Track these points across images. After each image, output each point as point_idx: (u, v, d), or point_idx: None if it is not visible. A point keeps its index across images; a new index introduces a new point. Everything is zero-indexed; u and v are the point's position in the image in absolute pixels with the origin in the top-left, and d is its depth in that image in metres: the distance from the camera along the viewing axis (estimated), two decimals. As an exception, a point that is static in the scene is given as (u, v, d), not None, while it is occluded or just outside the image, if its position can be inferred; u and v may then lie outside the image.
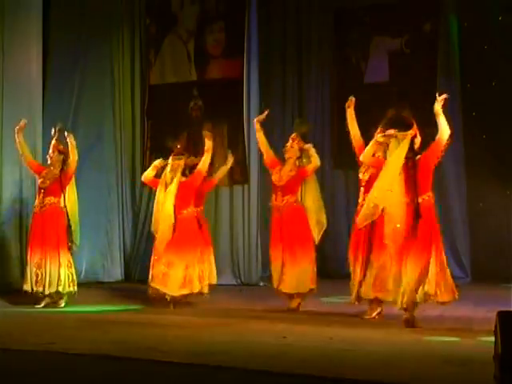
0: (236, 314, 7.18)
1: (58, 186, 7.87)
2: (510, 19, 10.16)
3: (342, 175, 10.99)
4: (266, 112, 7.94)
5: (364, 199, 6.78)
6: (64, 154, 7.97)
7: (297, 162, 7.67)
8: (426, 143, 10.71)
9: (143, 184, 9.09)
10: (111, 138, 11.36)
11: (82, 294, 9.11)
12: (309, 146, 7.69)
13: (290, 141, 7.69)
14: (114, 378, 4.47)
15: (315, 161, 7.64)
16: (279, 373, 4.39)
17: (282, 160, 7.71)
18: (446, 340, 5.63)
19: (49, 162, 8.02)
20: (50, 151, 8.03)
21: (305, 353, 5.11)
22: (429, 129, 10.70)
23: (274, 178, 7.64)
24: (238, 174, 10.87)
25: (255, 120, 7.92)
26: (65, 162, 7.94)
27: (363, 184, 7.03)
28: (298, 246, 7.47)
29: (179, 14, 11.57)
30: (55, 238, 7.85)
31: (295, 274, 7.36)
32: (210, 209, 11.03)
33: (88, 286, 10.30)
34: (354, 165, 10.73)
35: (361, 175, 7.11)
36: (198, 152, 11.20)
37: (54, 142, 8.03)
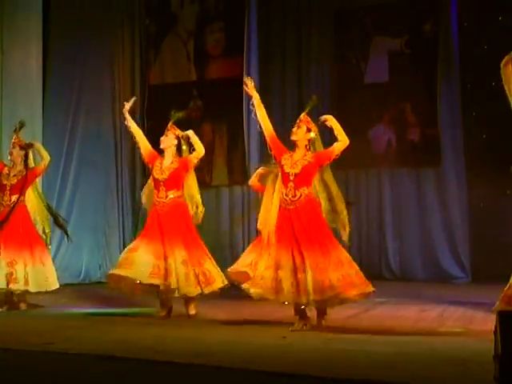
0: (236, 314, 7.17)
1: (22, 183, 7.67)
2: (510, 19, 10.16)
3: (341, 175, 10.97)
4: None
5: (295, 195, 6.18)
6: (25, 149, 7.74)
7: (174, 151, 7.13)
8: (426, 143, 10.78)
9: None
10: (111, 137, 11.38)
11: (81, 295, 9.13)
12: (189, 133, 7.14)
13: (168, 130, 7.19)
14: (114, 378, 4.47)
15: (199, 148, 7.11)
16: (279, 373, 4.38)
17: None
18: (446, 340, 5.63)
19: (10, 158, 7.79)
20: (11, 147, 7.78)
21: (305, 353, 5.11)
22: (429, 129, 10.80)
23: (155, 171, 7.09)
24: (238, 174, 10.89)
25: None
26: (27, 157, 7.74)
27: (291, 178, 6.20)
28: None
29: (179, 14, 11.60)
30: (26, 236, 7.70)
31: None
32: (210, 209, 11.04)
33: (87, 286, 10.32)
34: (354, 165, 10.84)
35: (289, 169, 6.25)
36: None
37: (14, 137, 7.78)
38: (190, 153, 7.15)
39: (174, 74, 11.59)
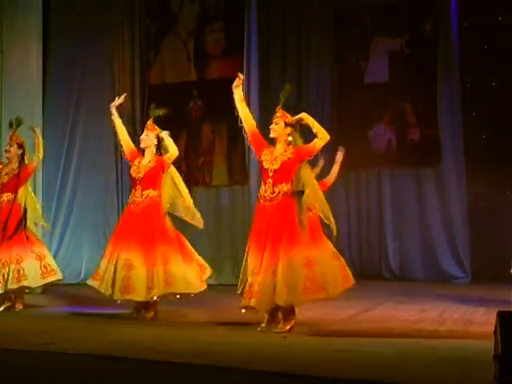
0: (236, 314, 7.17)
1: (15, 182, 7.47)
2: (510, 19, 10.17)
3: (342, 175, 10.97)
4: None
5: (273, 191, 6.04)
6: (23, 148, 7.58)
7: (154, 151, 7.02)
8: (426, 143, 10.78)
9: None
10: (111, 137, 11.36)
11: (81, 294, 9.12)
12: (163, 135, 7.04)
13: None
14: (114, 378, 4.47)
15: (173, 149, 6.98)
16: (279, 373, 4.38)
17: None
18: (446, 340, 5.63)
19: (6, 155, 7.62)
20: (8, 145, 7.61)
21: (305, 353, 5.11)
22: (429, 129, 10.81)
23: (133, 170, 6.99)
24: (238, 174, 10.88)
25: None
26: (23, 156, 7.55)
27: (271, 174, 6.06)
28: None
29: (179, 14, 11.59)
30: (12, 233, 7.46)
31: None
32: (210, 209, 11.05)
33: (87, 286, 10.30)
34: (354, 164, 10.84)
35: (268, 165, 6.13)
36: (198, 151, 11.26)
37: (12, 134, 7.62)
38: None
39: (174, 73, 11.59)
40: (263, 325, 6.02)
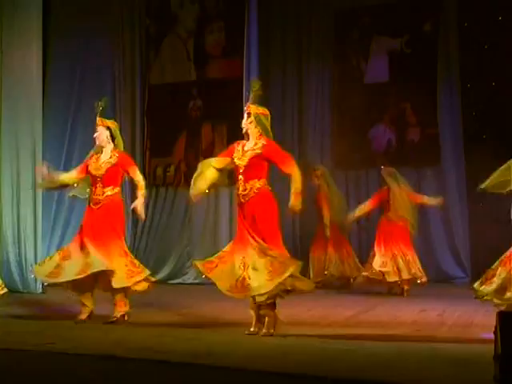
0: (236, 313, 7.17)
1: None
2: (510, 19, 10.17)
3: (342, 175, 10.99)
4: None
5: (245, 188, 5.84)
6: None
7: (111, 144, 6.83)
8: (426, 143, 10.78)
9: None
10: (111, 137, 11.37)
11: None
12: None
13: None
14: (114, 378, 4.47)
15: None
16: (279, 373, 4.38)
17: None
18: (446, 340, 5.63)
19: None
20: None
21: (305, 353, 5.11)
22: (429, 129, 10.81)
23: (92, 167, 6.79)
24: (238, 174, 10.88)
25: None
26: None
27: (241, 170, 5.87)
28: None
29: (179, 14, 11.61)
30: None
31: None
32: (209, 209, 11.05)
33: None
34: (354, 165, 10.84)
35: (238, 161, 5.91)
36: (198, 151, 11.25)
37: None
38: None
39: (173, 74, 11.60)
40: (252, 328, 5.85)
